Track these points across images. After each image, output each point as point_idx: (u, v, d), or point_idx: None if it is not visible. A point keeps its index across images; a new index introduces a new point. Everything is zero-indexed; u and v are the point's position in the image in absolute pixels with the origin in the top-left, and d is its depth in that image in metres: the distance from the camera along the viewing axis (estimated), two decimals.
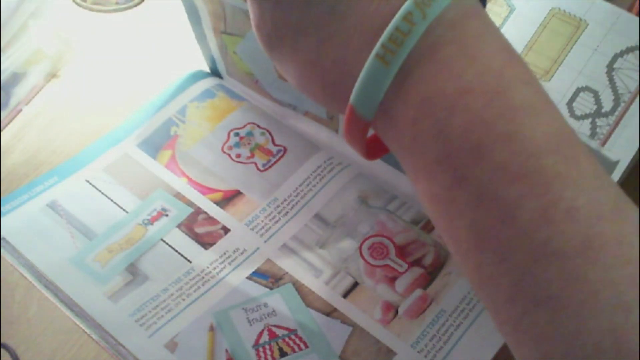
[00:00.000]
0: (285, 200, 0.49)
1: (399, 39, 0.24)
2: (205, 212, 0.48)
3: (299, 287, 0.45)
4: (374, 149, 0.30)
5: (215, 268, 0.45)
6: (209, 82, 0.57)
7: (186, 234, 0.47)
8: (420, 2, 0.23)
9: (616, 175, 0.43)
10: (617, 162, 0.43)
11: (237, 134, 0.53)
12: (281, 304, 0.44)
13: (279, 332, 0.42)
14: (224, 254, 0.46)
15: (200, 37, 0.55)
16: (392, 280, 0.45)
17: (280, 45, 0.28)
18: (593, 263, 0.23)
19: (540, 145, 0.23)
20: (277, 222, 0.48)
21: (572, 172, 0.24)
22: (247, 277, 0.45)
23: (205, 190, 0.50)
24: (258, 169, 0.51)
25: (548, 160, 0.23)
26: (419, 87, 0.24)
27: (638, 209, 0.25)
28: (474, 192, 0.24)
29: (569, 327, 0.23)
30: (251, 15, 0.29)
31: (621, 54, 0.46)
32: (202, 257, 0.46)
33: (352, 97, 0.26)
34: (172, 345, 0.42)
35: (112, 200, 0.49)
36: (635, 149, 0.44)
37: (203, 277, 0.45)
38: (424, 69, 0.24)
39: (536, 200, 0.23)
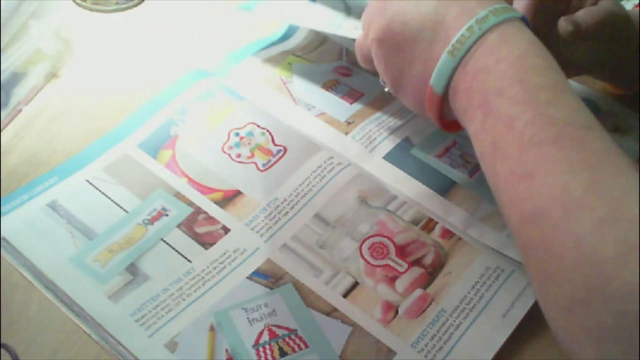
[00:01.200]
0: (285, 200, 0.49)
1: (463, 40, 0.38)
2: (206, 212, 0.48)
3: (299, 287, 0.45)
4: (452, 126, 0.44)
5: (215, 268, 0.45)
6: (209, 82, 0.57)
7: (186, 233, 0.47)
8: (479, 20, 0.38)
9: None
10: None
11: (237, 134, 0.53)
12: (281, 304, 0.44)
13: (279, 332, 0.42)
14: (224, 254, 0.46)
15: None
16: (392, 280, 0.45)
17: (383, 58, 0.44)
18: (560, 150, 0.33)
19: (540, 86, 0.36)
20: (277, 222, 0.48)
21: (558, 101, 0.35)
22: (247, 277, 0.45)
23: (205, 190, 0.50)
24: (258, 168, 0.51)
25: (542, 94, 0.35)
26: (473, 66, 0.38)
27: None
28: (495, 117, 0.36)
29: (536, 190, 0.33)
30: (375, 59, 0.45)
31: None
32: (202, 257, 0.46)
33: (431, 80, 0.40)
34: (172, 345, 0.42)
35: (112, 200, 0.49)
36: None
37: (203, 277, 0.45)
38: (478, 54, 0.38)
39: (529, 113, 0.35)
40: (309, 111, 0.55)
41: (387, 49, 0.43)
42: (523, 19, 0.40)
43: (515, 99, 0.36)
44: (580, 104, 0.36)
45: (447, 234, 0.48)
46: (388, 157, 0.52)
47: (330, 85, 0.58)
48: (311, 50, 0.61)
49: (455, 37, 0.38)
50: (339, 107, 0.56)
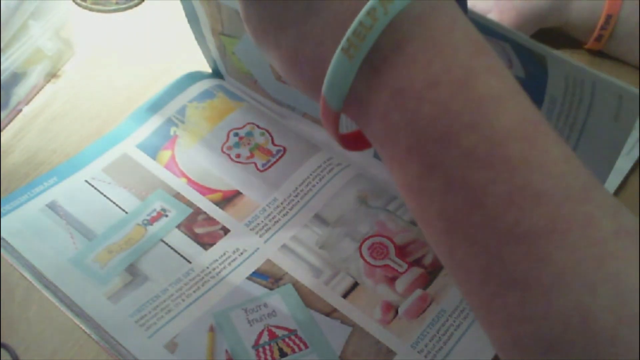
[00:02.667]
0: (285, 200, 0.49)
1: (362, 34, 0.24)
2: (205, 213, 0.48)
3: (299, 288, 0.45)
4: (358, 141, 0.31)
5: (215, 268, 0.45)
6: (209, 83, 0.57)
7: (186, 234, 0.47)
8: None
9: None
10: None
11: (236, 134, 0.53)
12: (281, 305, 0.44)
13: (279, 332, 0.42)
14: (224, 254, 0.46)
15: (200, 39, 0.55)
16: (392, 280, 0.45)
17: (265, 39, 0.29)
18: (559, 244, 0.23)
19: (506, 132, 0.24)
20: (277, 222, 0.48)
21: (539, 158, 0.24)
22: (247, 278, 0.45)
23: (204, 190, 0.50)
24: (258, 169, 0.51)
25: (514, 147, 0.24)
26: (388, 81, 0.25)
27: (605, 191, 0.25)
28: (442, 180, 0.25)
29: (538, 307, 0.23)
30: (240, 10, 0.30)
31: None
32: (202, 258, 0.46)
33: (323, 89, 0.27)
34: (172, 346, 0.42)
35: (111, 201, 0.49)
36: None
37: (203, 278, 0.45)
38: (393, 63, 0.25)
39: (502, 185, 0.24)
40: (294, 112, 0.54)
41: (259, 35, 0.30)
42: None
43: (475, 156, 0.24)
44: (564, 149, 0.25)
45: None
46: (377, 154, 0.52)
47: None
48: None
49: (351, 28, 0.25)
50: (305, 98, 0.52)
